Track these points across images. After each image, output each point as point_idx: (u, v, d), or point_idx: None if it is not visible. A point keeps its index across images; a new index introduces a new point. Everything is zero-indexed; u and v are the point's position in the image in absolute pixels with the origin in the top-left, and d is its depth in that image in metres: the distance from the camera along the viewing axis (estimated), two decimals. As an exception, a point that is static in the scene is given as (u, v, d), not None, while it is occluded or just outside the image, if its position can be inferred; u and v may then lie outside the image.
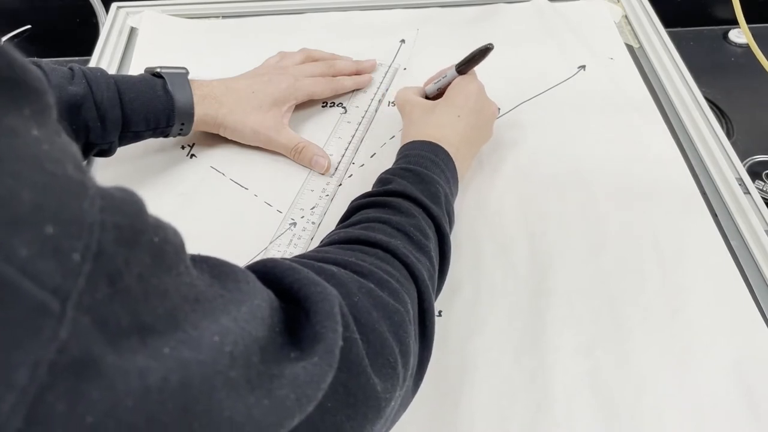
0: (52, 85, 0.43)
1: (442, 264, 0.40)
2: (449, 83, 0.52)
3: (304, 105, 0.60)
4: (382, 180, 0.44)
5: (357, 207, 0.41)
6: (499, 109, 0.54)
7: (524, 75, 0.63)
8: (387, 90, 0.62)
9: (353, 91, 0.61)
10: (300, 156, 0.53)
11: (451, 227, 0.43)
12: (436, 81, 0.53)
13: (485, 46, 0.48)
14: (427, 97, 0.54)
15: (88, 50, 0.65)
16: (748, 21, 0.54)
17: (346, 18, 0.70)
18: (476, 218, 0.51)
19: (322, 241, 0.39)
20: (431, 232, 0.39)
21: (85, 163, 0.46)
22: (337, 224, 0.42)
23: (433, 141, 0.46)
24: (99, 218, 0.17)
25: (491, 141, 0.54)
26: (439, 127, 0.48)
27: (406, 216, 0.39)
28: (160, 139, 0.55)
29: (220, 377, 0.20)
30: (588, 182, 0.53)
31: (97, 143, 0.47)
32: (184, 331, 0.19)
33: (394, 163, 0.46)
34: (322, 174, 0.54)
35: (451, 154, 0.46)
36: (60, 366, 0.15)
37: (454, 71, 0.51)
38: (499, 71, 0.63)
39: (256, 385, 0.21)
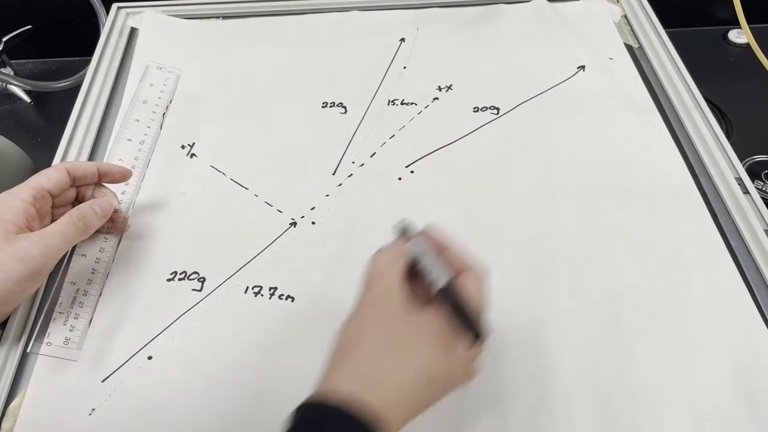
0: None
1: None
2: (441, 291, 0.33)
3: (303, 106, 0.60)
4: None
5: None
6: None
7: (524, 75, 0.63)
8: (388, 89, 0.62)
9: (353, 90, 0.61)
10: (84, 218, 0.42)
11: None
12: (431, 270, 0.34)
13: (480, 335, 0.32)
14: (412, 270, 0.35)
15: (89, 50, 0.65)
16: (748, 21, 0.54)
17: (346, 18, 0.70)
18: (476, 218, 0.51)
19: None
20: None
21: None
22: None
23: (371, 419, 0.29)
24: None
25: (493, 144, 0.54)
26: (400, 387, 0.31)
27: None
28: (160, 139, 0.55)
29: None
30: (588, 182, 0.53)
31: None
32: None
33: None
34: (125, 182, 0.48)
35: None
36: None
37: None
38: (499, 71, 0.64)
39: None
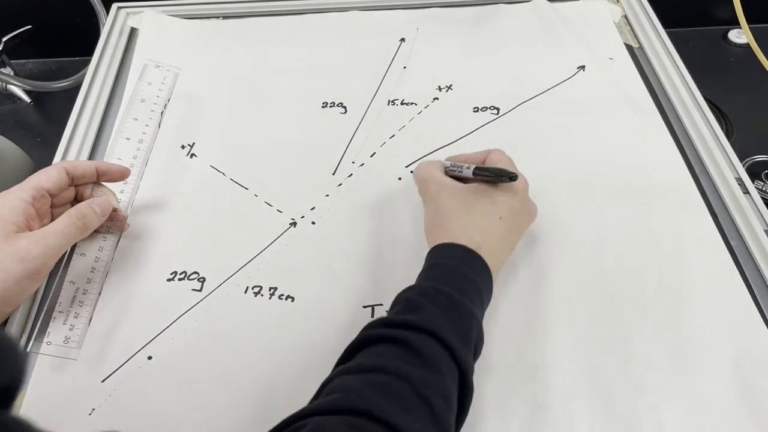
0: None
1: (460, 417, 0.35)
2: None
3: (303, 106, 0.60)
4: (410, 302, 0.37)
5: (374, 338, 0.35)
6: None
7: (524, 75, 0.63)
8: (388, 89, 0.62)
9: (353, 90, 0.61)
10: (83, 217, 0.43)
11: (478, 357, 0.38)
12: (461, 166, 0.45)
13: (511, 176, 0.42)
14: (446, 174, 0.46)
15: (89, 50, 0.65)
16: (748, 21, 0.54)
17: (346, 18, 0.70)
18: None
19: (336, 369, 0.35)
20: (454, 386, 0.34)
21: None
22: (351, 349, 0.36)
23: (472, 248, 0.40)
24: None
25: (493, 144, 0.54)
26: (480, 229, 0.41)
27: (432, 370, 0.33)
28: (159, 138, 0.55)
29: None
30: (588, 182, 0.53)
31: None
32: None
33: (426, 270, 0.40)
34: (123, 181, 0.48)
35: (489, 266, 0.40)
36: None
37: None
38: (499, 71, 0.64)
39: None
